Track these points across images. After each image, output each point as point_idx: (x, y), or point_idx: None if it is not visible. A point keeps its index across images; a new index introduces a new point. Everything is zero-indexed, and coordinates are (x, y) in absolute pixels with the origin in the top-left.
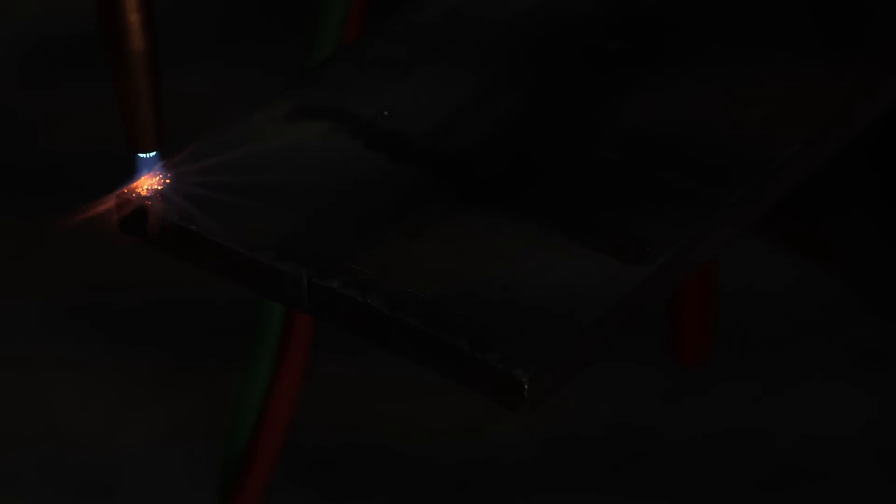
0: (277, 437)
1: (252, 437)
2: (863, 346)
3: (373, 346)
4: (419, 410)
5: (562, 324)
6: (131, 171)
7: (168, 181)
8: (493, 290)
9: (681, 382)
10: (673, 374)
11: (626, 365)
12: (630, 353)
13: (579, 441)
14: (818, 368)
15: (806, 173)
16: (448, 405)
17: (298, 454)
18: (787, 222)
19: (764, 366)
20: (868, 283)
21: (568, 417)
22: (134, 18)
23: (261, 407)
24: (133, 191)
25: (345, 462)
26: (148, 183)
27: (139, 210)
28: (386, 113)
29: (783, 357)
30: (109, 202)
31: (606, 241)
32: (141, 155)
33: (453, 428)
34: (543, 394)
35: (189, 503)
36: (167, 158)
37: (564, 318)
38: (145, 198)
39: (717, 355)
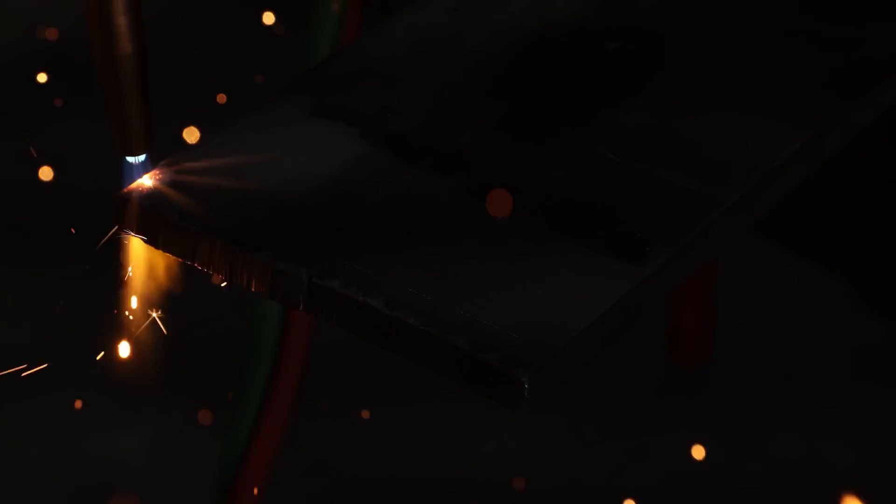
0: (275, 436)
1: (250, 436)
2: (863, 346)
3: (372, 346)
4: (419, 410)
5: (562, 323)
6: (122, 173)
7: (167, 181)
8: (493, 290)
9: (680, 382)
10: (673, 374)
11: (625, 365)
12: (630, 353)
13: (579, 441)
14: (818, 368)
15: (806, 173)
16: (448, 405)
17: (297, 455)
18: (787, 222)
19: (763, 366)
20: (868, 283)
21: (567, 417)
22: (122, 21)
23: (259, 406)
24: (132, 191)
25: (343, 462)
26: (147, 183)
27: (138, 210)
28: (388, 113)
29: (783, 357)
30: (108, 202)
31: (606, 241)
32: (129, 159)
33: (452, 427)
34: (543, 393)
35: (188, 503)
36: (164, 159)
37: (564, 318)
38: (144, 198)
39: (716, 356)
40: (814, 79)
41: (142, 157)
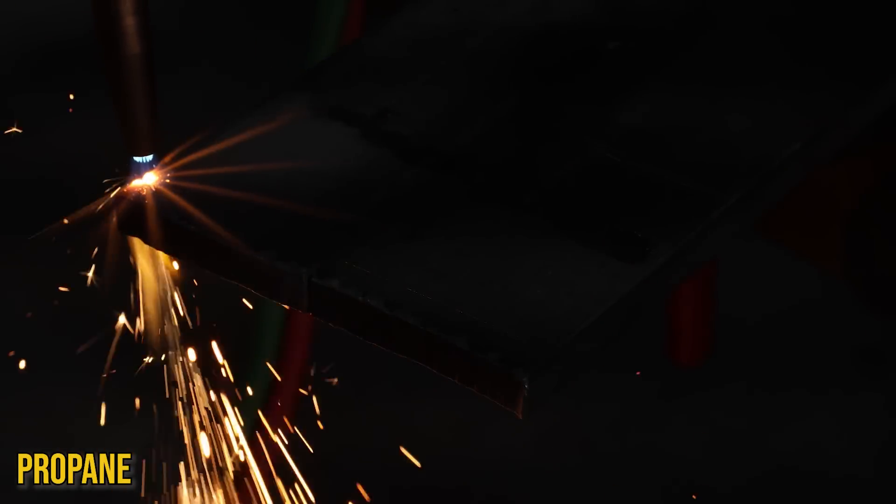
0: (276, 436)
1: (251, 437)
2: (863, 347)
3: (372, 346)
4: (419, 410)
5: (562, 323)
6: (127, 172)
7: (167, 181)
8: (493, 290)
9: (680, 383)
10: (672, 375)
11: (625, 365)
12: (629, 353)
13: (579, 440)
14: (818, 368)
15: (806, 173)
16: (448, 405)
17: (298, 455)
18: (787, 223)
19: (764, 366)
20: (868, 283)
21: (567, 417)
22: (130, 22)
23: (261, 404)
24: (132, 191)
25: (344, 462)
26: (147, 183)
27: (138, 210)
28: (388, 113)
29: (783, 357)
30: (109, 203)
31: (606, 241)
32: (137, 158)
33: (453, 428)
34: (543, 393)
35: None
36: (166, 159)
37: (564, 318)
38: (144, 198)
39: (716, 355)
40: (814, 79)
41: (149, 157)
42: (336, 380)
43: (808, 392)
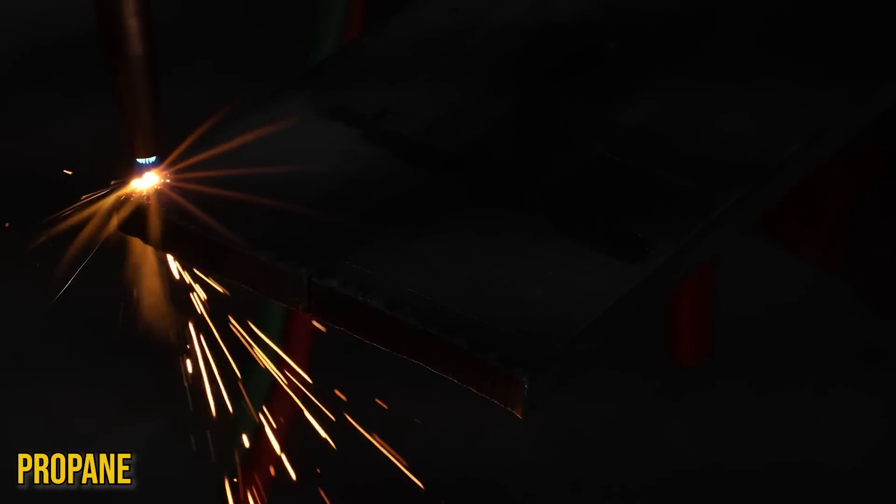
0: (278, 435)
1: (257, 434)
2: (863, 346)
3: (372, 346)
4: (419, 410)
5: (561, 323)
6: (130, 173)
7: (167, 181)
8: (493, 290)
9: (680, 382)
10: (672, 374)
11: (625, 365)
12: (629, 353)
13: (578, 440)
14: (818, 368)
15: (806, 173)
16: (448, 405)
17: (299, 454)
18: (787, 223)
19: (763, 365)
20: (868, 283)
21: (567, 417)
22: (133, 23)
23: (262, 405)
24: (132, 192)
25: (345, 462)
26: (147, 183)
27: (139, 211)
28: (388, 113)
29: (783, 357)
30: (109, 203)
31: (606, 241)
32: (140, 160)
33: (453, 428)
34: (543, 393)
35: (188, 503)
36: (166, 160)
37: (564, 318)
38: (145, 198)
39: (716, 355)
40: (814, 79)
41: (152, 158)
42: (336, 390)
43: (808, 391)
